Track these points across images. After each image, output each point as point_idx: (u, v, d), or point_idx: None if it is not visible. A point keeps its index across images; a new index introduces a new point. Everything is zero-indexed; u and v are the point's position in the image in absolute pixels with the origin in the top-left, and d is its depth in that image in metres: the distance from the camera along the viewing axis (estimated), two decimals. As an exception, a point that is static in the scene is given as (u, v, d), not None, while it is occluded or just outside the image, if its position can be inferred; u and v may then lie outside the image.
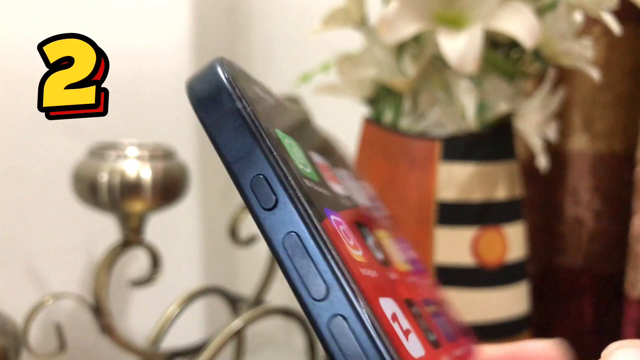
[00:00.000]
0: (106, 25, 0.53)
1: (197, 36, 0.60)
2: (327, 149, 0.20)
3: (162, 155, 0.40)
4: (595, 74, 0.36)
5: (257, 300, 0.51)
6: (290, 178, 0.13)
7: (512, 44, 0.36)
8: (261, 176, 0.13)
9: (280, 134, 0.15)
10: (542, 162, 0.41)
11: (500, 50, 0.37)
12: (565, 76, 0.45)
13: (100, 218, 0.43)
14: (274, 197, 0.13)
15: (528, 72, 0.38)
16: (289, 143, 0.15)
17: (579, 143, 0.46)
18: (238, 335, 0.48)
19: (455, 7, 0.34)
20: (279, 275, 0.54)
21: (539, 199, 0.48)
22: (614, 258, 0.45)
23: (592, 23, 0.42)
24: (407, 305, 0.15)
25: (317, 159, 0.17)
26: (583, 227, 0.46)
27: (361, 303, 0.12)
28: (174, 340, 0.48)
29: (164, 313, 0.49)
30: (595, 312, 0.46)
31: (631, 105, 0.44)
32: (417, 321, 0.15)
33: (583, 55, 0.36)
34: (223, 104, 0.14)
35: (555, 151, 0.46)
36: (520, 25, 0.32)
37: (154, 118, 0.57)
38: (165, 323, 0.49)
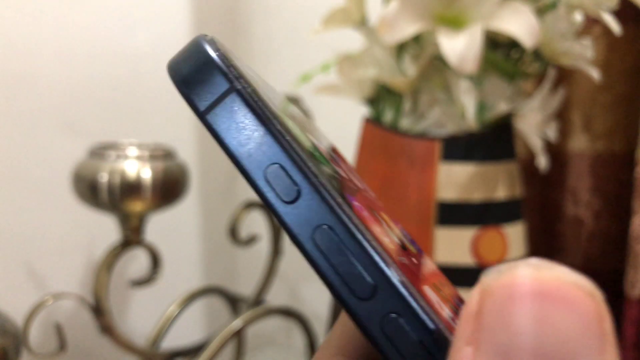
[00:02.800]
0: (106, 25, 0.53)
1: (197, 36, 0.60)
2: (313, 129, 0.18)
3: (162, 155, 0.40)
4: (595, 74, 0.36)
5: (257, 300, 0.51)
6: (310, 164, 0.12)
7: (512, 44, 0.36)
8: (277, 165, 0.12)
9: (282, 115, 0.13)
10: (542, 162, 0.41)
11: (500, 50, 0.37)
12: (565, 76, 0.45)
13: (100, 218, 0.43)
14: (295, 188, 0.11)
15: (528, 72, 0.38)
16: (292, 125, 0.13)
17: (579, 143, 0.46)
18: (238, 335, 0.48)
19: (455, 7, 0.34)
20: (279, 275, 0.54)
21: (539, 199, 0.48)
22: (613, 258, 0.45)
23: (592, 23, 0.42)
24: (437, 290, 0.14)
25: (314, 140, 0.15)
26: (583, 227, 0.46)
27: (415, 297, 0.11)
28: (174, 340, 0.48)
29: (164, 313, 0.49)
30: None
31: (631, 106, 0.44)
32: (451, 307, 0.14)
33: (583, 55, 0.36)
34: (219, 86, 0.12)
35: (555, 151, 0.46)
36: (520, 25, 0.32)
37: (154, 118, 0.57)
38: (165, 323, 0.49)
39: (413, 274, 0.12)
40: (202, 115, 0.12)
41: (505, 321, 0.09)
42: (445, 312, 0.12)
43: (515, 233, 0.38)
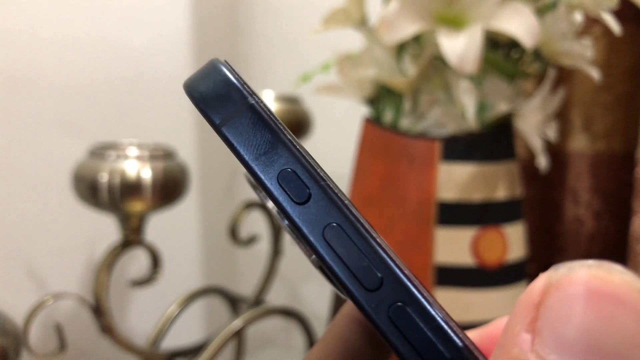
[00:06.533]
0: (106, 25, 0.53)
1: (197, 36, 0.60)
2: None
3: (162, 155, 0.40)
4: (595, 74, 0.36)
5: (257, 300, 0.51)
6: (318, 169, 0.13)
7: (512, 44, 0.36)
8: (289, 170, 0.13)
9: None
10: (542, 162, 0.41)
11: (500, 50, 0.37)
12: (565, 76, 0.45)
13: (100, 218, 0.43)
14: (306, 190, 0.13)
15: (528, 72, 0.38)
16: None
17: (579, 143, 0.46)
18: (238, 335, 0.48)
19: (455, 7, 0.34)
20: (279, 275, 0.54)
21: (539, 199, 0.48)
22: (614, 258, 0.45)
23: (592, 23, 0.42)
24: None
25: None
26: (583, 227, 0.46)
27: (418, 287, 0.12)
28: (174, 340, 0.49)
29: (164, 313, 0.49)
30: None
31: (631, 106, 0.44)
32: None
33: (583, 55, 0.36)
34: (235, 101, 0.13)
35: (555, 151, 0.46)
36: (520, 25, 0.32)
37: (154, 118, 0.57)
38: (165, 323, 0.49)
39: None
40: (218, 128, 0.13)
41: (572, 316, 0.10)
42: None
43: (515, 233, 0.38)
